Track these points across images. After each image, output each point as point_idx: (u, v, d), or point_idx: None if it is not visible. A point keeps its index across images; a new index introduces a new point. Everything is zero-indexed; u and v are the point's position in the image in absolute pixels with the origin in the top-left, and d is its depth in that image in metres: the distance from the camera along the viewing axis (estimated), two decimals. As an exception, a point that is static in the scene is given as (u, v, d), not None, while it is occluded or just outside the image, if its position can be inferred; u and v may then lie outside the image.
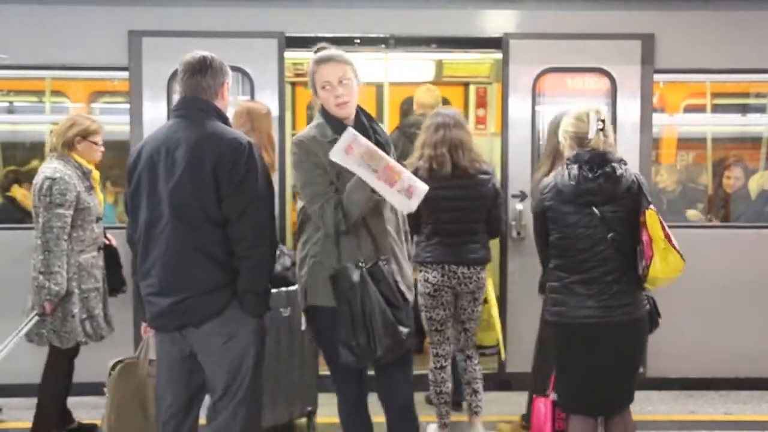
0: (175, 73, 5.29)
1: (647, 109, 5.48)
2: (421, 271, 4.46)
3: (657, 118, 5.68)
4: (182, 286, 3.17)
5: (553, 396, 3.81)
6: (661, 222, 3.39)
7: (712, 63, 5.52)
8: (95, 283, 4.48)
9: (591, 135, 3.45)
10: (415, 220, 4.19)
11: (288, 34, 5.37)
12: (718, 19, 5.51)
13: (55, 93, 6.07)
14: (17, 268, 5.17)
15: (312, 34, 5.50)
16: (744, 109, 6.70)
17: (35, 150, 6.17)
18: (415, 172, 4.44)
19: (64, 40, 5.32)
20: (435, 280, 4.42)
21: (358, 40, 5.65)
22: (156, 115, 5.32)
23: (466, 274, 4.44)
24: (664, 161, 6.43)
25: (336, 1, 5.43)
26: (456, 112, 4.65)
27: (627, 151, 5.44)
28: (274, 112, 5.36)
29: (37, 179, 4.38)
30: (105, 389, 3.77)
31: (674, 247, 3.38)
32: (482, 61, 7.52)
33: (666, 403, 5.36)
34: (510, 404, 5.17)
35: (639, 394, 5.38)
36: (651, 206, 3.43)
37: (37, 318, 4.34)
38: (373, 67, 7.14)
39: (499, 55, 5.66)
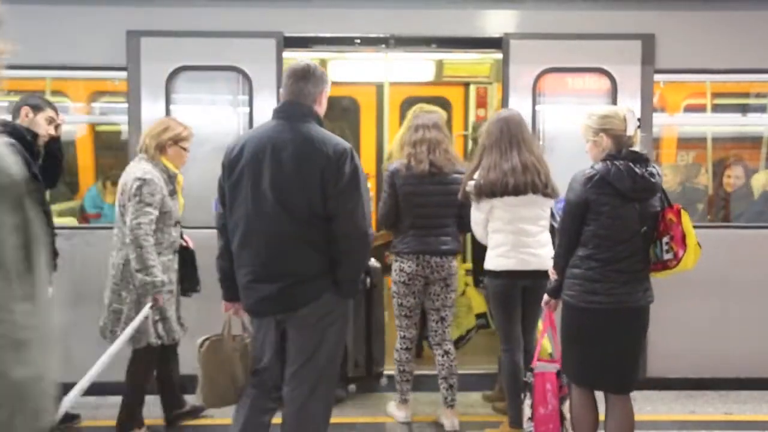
0: (173, 73, 5.33)
1: (647, 109, 5.47)
2: (396, 260, 4.81)
3: (657, 118, 5.67)
4: (288, 274, 3.43)
5: (541, 368, 4.10)
6: None
7: (712, 63, 5.51)
8: (169, 286, 4.51)
9: (630, 132, 3.73)
10: (393, 215, 4.76)
11: (287, 35, 5.37)
12: (718, 19, 5.50)
13: (55, 93, 6.07)
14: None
15: (311, 35, 5.51)
16: (744, 109, 6.70)
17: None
18: (396, 171, 4.74)
19: (63, 39, 5.31)
20: (410, 269, 4.75)
21: (358, 40, 5.65)
22: (154, 114, 5.32)
23: (438, 263, 4.75)
24: (664, 161, 6.43)
25: (335, 1, 5.42)
26: (436, 114, 4.92)
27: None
28: (273, 112, 5.37)
29: (127, 179, 4.48)
30: (197, 363, 3.98)
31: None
32: (482, 61, 7.52)
33: (666, 403, 5.36)
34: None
35: (639, 394, 5.43)
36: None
37: (149, 311, 4.39)
38: (373, 67, 7.14)
39: (499, 55, 5.65)
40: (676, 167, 6.49)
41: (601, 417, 3.96)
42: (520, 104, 5.41)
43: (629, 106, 5.31)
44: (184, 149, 4.63)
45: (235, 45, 5.31)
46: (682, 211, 3.72)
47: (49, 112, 4.75)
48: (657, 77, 5.51)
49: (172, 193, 4.58)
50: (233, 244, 3.54)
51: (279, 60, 5.37)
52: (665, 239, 3.70)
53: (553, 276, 3.93)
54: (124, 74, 5.34)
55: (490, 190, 4.40)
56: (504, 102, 5.52)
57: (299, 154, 3.38)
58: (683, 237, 3.67)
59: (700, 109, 6.24)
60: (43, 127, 4.72)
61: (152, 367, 4.66)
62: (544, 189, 4.42)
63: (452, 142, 5.15)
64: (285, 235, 3.41)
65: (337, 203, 3.37)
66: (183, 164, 4.70)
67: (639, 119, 3.79)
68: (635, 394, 5.35)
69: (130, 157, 5.31)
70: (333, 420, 3.92)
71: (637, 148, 3.77)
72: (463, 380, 5.04)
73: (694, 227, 5.57)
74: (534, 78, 5.46)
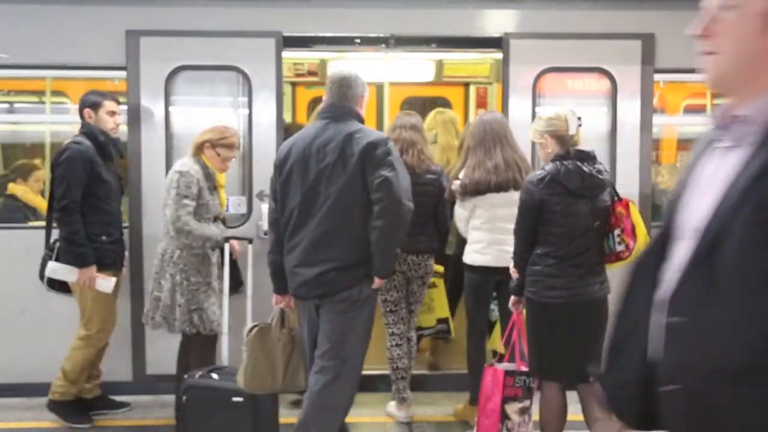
0: (172, 73, 5.33)
1: (647, 109, 5.47)
2: None
3: (657, 119, 5.66)
4: (327, 260, 3.74)
5: (498, 365, 4.24)
6: None
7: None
8: (206, 278, 4.62)
9: (572, 131, 3.93)
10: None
11: (286, 34, 5.36)
12: (718, 19, 5.49)
13: (55, 93, 6.07)
14: (16, 268, 5.20)
15: (311, 34, 5.50)
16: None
17: (35, 150, 6.18)
18: None
19: (63, 39, 5.31)
20: None
21: (358, 40, 5.65)
22: (153, 114, 5.32)
23: (415, 261, 4.91)
24: (664, 161, 6.43)
25: (335, 0, 5.42)
26: (416, 118, 5.10)
27: (627, 151, 5.45)
28: (272, 112, 5.36)
29: (169, 174, 4.67)
30: (243, 348, 4.20)
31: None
32: (482, 61, 7.52)
33: (666, 403, 5.35)
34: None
35: (639, 395, 5.40)
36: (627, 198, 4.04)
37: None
38: (373, 67, 7.14)
39: (499, 55, 5.65)
40: (675, 167, 6.50)
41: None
42: (520, 104, 5.41)
43: (631, 106, 5.42)
44: (219, 154, 4.70)
45: (234, 45, 5.31)
46: (631, 204, 3.94)
47: (108, 106, 4.86)
48: (657, 77, 5.51)
49: (212, 189, 4.71)
50: (286, 233, 3.87)
51: (278, 60, 5.36)
52: (616, 231, 3.90)
53: (514, 275, 4.10)
54: (123, 74, 5.33)
55: (474, 189, 4.61)
56: (504, 102, 5.51)
57: (341, 145, 3.73)
58: (633, 229, 3.87)
59: (700, 109, 6.23)
60: (109, 122, 4.84)
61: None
62: None
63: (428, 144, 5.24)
64: (329, 222, 3.73)
65: (374, 177, 3.66)
66: (220, 169, 4.78)
67: (579, 118, 3.98)
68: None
69: (129, 156, 5.33)
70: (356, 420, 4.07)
71: (582, 146, 3.99)
72: (461, 380, 5.04)
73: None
74: (534, 78, 5.45)
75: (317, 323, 3.90)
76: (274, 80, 5.36)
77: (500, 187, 4.58)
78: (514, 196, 4.52)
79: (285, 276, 3.95)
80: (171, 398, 4.85)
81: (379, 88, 7.39)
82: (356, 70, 4.02)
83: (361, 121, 3.90)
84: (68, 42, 5.32)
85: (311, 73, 7.60)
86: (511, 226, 4.48)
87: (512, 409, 4.11)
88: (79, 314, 4.88)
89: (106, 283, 4.74)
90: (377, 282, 3.90)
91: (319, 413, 3.78)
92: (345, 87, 3.89)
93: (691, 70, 5.51)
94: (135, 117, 5.32)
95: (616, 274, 3.94)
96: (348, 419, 4.85)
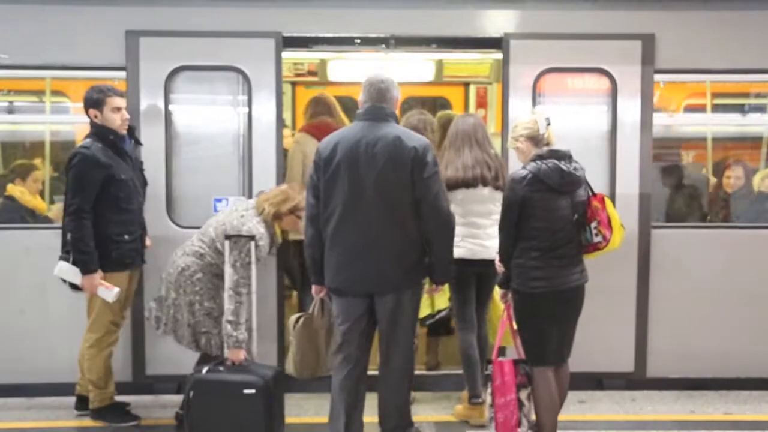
0: (172, 73, 5.32)
1: (647, 109, 5.47)
2: None
3: (657, 118, 5.66)
4: (379, 255, 3.99)
5: (503, 358, 4.42)
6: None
7: (712, 63, 5.51)
8: (219, 305, 4.58)
9: (542, 130, 4.18)
10: None
11: (286, 34, 5.36)
12: (718, 19, 5.49)
13: (55, 93, 6.06)
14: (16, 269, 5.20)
15: (311, 34, 5.50)
16: (744, 109, 6.69)
17: (35, 150, 6.17)
18: None
19: (63, 39, 5.30)
20: None
21: (358, 40, 5.65)
22: (154, 114, 5.31)
23: None
24: (664, 161, 6.41)
25: (335, 0, 5.41)
26: (431, 119, 5.45)
27: (627, 151, 5.45)
28: (272, 112, 5.36)
29: (240, 228, 4.54)
30: (291, 337, 4.47)
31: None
32: (482, 61, 7.52)
33: (666, 403, 5.35)
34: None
35: (639, 394, 5.45)
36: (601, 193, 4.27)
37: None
38: (373, 67, 7.13)
39: (499, 55, 5.64)
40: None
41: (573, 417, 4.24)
42: (520, 104, 5.41)
43: (631, 106, 5.42)
44: (299, 218, 4.70)
45: (234, 45, 5.30)
46: (605, 198, 4.17)
47: (111, 102, 4.74)
48: (657, 77, 5.50)
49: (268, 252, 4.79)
50: (329, 228, 4.05)
51: (278, 60, 5.35)
52: (593, 224, 4.13)
53: (500, 269, 4.30)
54: (123, 74, 5.33)
55: (446, 185, 4.72)
56: (504, 102, 5.51)
57: (391, 148, 3.95)
58: (609, 221, 4.11)
59: (700, 109, 6.23)
60: (116, 120, 4.75)
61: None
62: (494, 182, 4.84)
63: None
64: (380, 219, 3.95)
65: (423, 188, 3.96)
66: (295, 230, 4.86)
67: (548, 118, 4.20)
68: (635, 394, 5.38)
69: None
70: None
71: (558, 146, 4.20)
72: (461, 380, 5.03)
73: (694, 227, 5.65)
74: (534, 78, 5.45)
75: (361, 317, 4.13)
76: (274, 80, 5.36)
77: (467, 184, 4.82)
78: (484, 192, 4.84)
79: (323, 269, 4.15)
80: (171, 398, 4.85)
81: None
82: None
83: (398, 121, 4.16)
84: (68, 42, 5.32)
85: (311, 73, 7.60)
86: (485, 221, 4.84)
87: (524, 395, 4.28)
88: (87, 313, 4.84)
89: (108, 292, 4.63)
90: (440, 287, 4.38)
91: None
92: (384, 90, 4.12)
93: (691, 70, 5.55)
94: (134, 118, 5.31)
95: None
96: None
